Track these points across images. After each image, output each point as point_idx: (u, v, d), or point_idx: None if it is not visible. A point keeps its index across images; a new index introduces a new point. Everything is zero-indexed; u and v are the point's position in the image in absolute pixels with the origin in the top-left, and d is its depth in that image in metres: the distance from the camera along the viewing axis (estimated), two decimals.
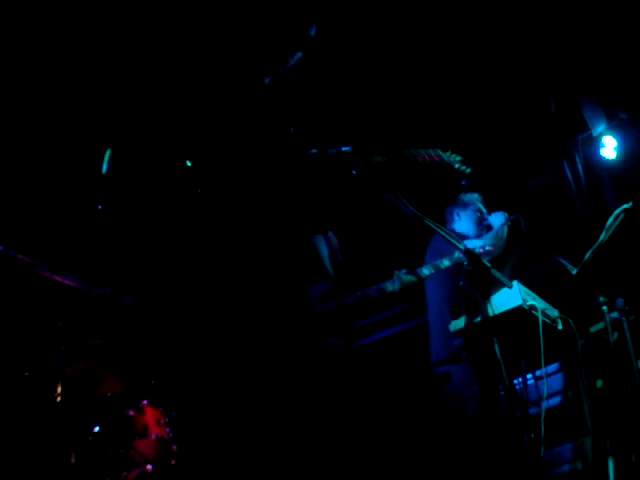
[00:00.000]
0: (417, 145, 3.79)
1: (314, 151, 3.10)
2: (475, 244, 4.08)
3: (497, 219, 4.43)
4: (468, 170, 4.15)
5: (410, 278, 3.78)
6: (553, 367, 4.55)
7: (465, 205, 4.56)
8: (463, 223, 4.53)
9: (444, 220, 4.61)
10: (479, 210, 4.53)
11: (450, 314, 4.15)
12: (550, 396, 4.38)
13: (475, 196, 4.59)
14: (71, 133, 4.66)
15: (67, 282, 3.96)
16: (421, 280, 3.83)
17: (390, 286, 3.73)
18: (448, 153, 4.06)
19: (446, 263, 3.83)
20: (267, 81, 3.39)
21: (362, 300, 3.77)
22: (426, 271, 3.81)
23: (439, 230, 3.14)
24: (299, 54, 3.40)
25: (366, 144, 3.15)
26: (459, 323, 3.99)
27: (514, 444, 3.71)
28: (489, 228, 4.45)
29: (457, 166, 4.11)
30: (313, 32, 3.40)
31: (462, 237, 4.33)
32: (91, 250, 4.82)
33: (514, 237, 4.42)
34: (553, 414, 4.10)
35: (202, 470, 4.55)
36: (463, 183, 4.24)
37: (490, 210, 4.56)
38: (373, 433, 4.97)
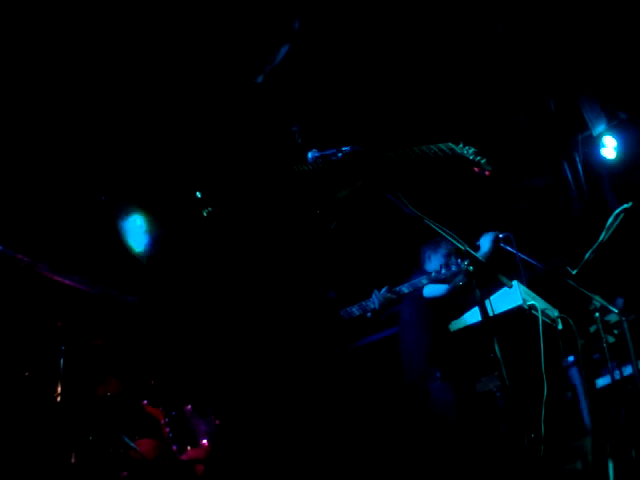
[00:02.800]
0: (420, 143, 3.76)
1: (317, 154, 3.05)
2: (434, 290, 4.16)
3: (485, 241, 4.35)
4: (483, 160, 4.07)
5: (390, 296, 3.86)
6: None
7: (436, 248, 4.53)
8: (432, 265, 4.48)
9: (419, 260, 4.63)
10: (448, 255, 4.46)
11: (424, 334, 4.20)
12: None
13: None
14: (70, 132, 4.65)
15: (67, 282, 3.96)
16: (400, 298, 3.91)
17: (371, 304, 3.84)
18: (460, 146, 3.99)
19: (424, 282, 3.88)
20: (260, 80, 3.35)
21: (346, 318, 3.87)
22: (405, 289, 3.89)
23: (440, 231, 3.14)
24: (285, 49, 3.36)
25: (375, 144, 3.13)
26: (457, 324, 4.01)
27: (514, 444, 3.71)
28: (477, 248, 4.42)
29: (472, 157, 4.03)
30: (296, 25, 3.35)
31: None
32: (91, 250, 4.82)
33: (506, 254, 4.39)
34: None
35: (203, 470, 4.55)
36: (486, 173, 4.15)
37: (485, 225, 4.52)
38: (372, 433, 4.97)
